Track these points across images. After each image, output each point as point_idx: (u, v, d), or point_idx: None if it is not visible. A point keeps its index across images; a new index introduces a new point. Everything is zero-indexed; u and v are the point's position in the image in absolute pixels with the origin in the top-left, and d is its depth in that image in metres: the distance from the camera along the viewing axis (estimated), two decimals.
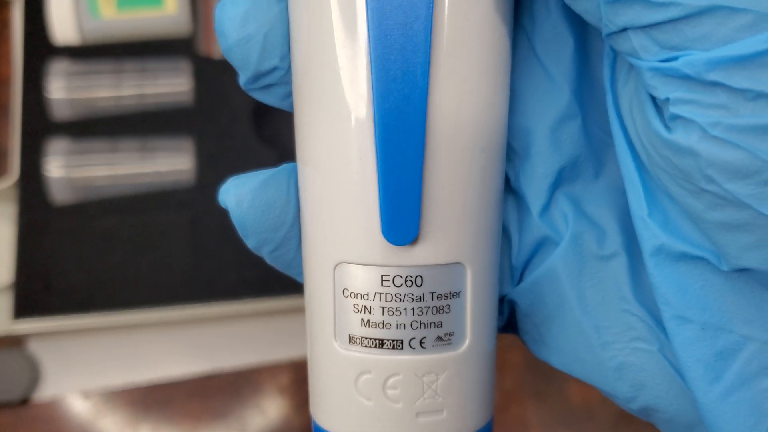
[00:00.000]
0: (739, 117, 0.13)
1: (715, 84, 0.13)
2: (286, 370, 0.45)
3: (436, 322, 0.17)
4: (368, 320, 0.17)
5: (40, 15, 0.45)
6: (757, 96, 0.13)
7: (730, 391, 0.16)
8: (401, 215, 0.16)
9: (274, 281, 0.43)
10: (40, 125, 0.44)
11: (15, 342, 0.44)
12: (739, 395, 0.16)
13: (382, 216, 0.16)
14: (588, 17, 0.15)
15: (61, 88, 0.44)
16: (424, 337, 0.17)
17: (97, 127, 0.44)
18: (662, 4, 0.13)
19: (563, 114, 0.18)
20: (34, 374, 0.43)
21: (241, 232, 0.18)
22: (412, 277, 0.17)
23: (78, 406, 0.44)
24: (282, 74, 0.17)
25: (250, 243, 0.18)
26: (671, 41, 0.14)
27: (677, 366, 0.17)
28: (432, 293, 0.17)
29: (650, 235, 0.16)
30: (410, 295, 0.17)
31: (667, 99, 0.14)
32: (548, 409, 0.45)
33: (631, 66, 0.16)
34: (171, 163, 0.44)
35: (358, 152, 0.16)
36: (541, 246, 0.19)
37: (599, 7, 0.15)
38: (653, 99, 0.15)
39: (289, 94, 0.18)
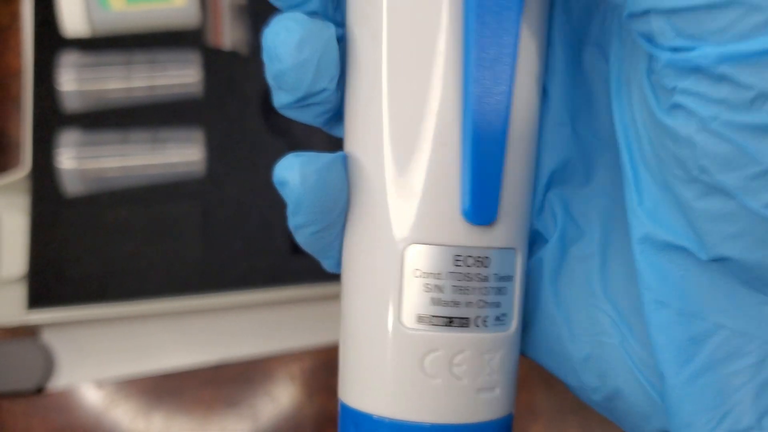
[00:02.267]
0: (737, 113, 0.14)
1: (722, 78, 0.14)
2: (297, 358, 0.45)
3: (496, 302, 0.18)
4: (439, 299, 0.18)
5: (50, 7, 0.45)
6: (758, 95, 0.14)
7: (698, 374, 0.17)
8: (486, 198, 0.17)
9: (284, 271, 0.43)
10: (51, 117, 0.44)
11: (29, 332, 0.44)
12: (706, 378, 0.17)
13: (471, 197, 0.17)
14: None
15: (72, 80, 0.44)
16: (487, 317, 0.18)
17: (107, 118, 0.45)
18: None
19: (553, 121, 0.19)
20: (48, 364, 0.44)
21: (293, 209, 0.18)
22: (481, 258, 0.18)
23: (91, 395, 0.44)
24: (328, 95, 0.18)
25: (298, 220, 0.18)
26: (689, 29, 0.14)
27: (652, 348, 0.18)
28: (495, 275, 0.18)
29: (638, 223, 0.17)
30: (478, 275, 0.18)
31: (674, 88, 0.15)
32: (557, 396, 0.45)
33: (633, 56, 0.17)
34: (181, 153, 0.44)
35: (443, 140, 0.17)
36: (533, 243, 0.20)
37: None
38: (654, 87, 0.16)
39: (325, 112, 0.19)
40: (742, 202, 0.15)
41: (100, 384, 0.44)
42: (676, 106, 0.15)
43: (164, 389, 0.44)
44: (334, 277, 0.45)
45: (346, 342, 0.19)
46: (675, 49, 0.15)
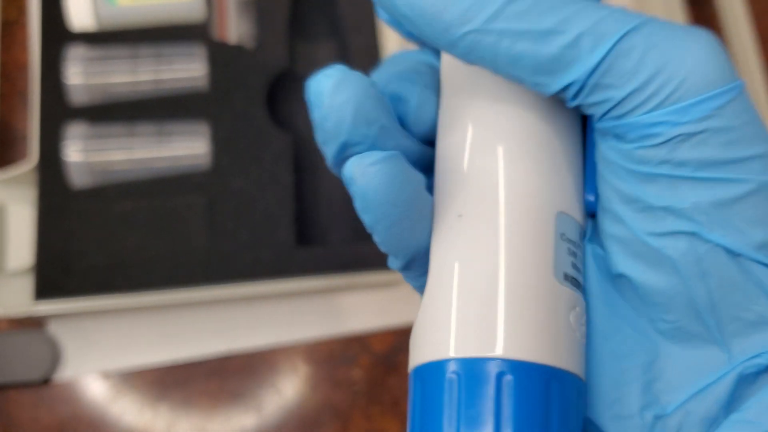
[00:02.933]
0: (630, 164, 0.18)
1: (629, 140, 0.18)
2: (302, 350, 0.45)
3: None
4: (574, 263, 0.20)
5: (56, 1, 0.46)
6: (642, 153, 0.18)
7: (603, 362, 0.20)
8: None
9: (289, 263, 0.43)
10: (58, 110, 0.45)
11: (36, 323, 0.45)
12: (608, 367, 0.20)
13: (595, 191, 0.21)
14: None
15: (79, 74, 0.45)
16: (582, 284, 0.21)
17: (114, 111, 0.45)
18: (615, 86, 0.18)
19: None
20: (54, 355, 0.44)
21: (361, 205, 0.18)
22: (582, 235, 0.21)
23: (97, 386, 0.44)
24: (370, 143, 0.19)
25: (368, 218, 0.19)
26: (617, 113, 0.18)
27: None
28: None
29: (590, 229, 0.21)
30: (582, 249, 0.21)
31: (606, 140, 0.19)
32: None
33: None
34: (187, 146, 0.45)
35: (578, 145, 0.21)
36: None
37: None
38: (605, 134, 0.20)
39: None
40: (632, 229, 0.19)
41: (106, 375, 0.45)
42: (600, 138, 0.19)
43: (170, 381, 0.45)
44: (338, 269, 0.45)
45: (475, 296, 0.19)
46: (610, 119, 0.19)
